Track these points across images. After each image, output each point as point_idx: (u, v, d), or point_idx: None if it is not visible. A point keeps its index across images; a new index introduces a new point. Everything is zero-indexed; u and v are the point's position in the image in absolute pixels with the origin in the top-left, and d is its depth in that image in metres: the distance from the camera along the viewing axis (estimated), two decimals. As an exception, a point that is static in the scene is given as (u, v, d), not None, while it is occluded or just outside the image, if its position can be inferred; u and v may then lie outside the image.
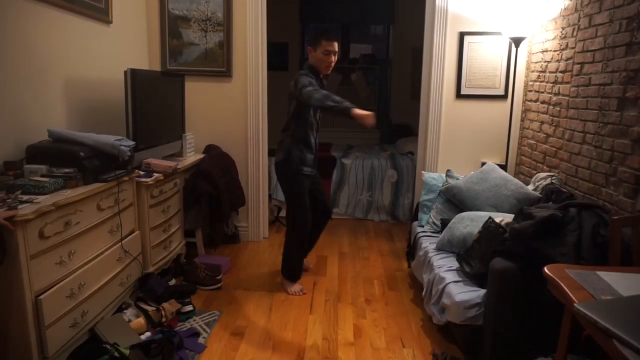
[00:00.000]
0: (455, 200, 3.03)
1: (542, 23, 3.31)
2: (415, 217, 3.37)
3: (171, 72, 3.64)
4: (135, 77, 2.69)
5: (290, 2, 6.58)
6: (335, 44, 2.75)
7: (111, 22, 3.05)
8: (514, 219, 2.27)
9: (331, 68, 2.83)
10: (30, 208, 1.79)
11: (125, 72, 2.67)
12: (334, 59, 2.77)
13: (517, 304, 2.02)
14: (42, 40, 2.41)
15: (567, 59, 2.91)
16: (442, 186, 3.15)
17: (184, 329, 2.47)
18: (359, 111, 2.36)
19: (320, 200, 3.04)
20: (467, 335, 2.19)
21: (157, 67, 3.69)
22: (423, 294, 2.66)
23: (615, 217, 1.87)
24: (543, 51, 3.28)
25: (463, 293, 2.21)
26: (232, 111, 3.76)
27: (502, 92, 3.64)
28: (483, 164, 3.33)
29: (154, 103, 3.00)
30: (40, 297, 1.84)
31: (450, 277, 2.38)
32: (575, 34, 2.82)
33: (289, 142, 2.84)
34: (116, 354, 2.01)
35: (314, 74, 2.81)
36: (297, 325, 2.59)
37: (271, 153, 4.45)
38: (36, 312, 1.83)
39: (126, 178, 2.45)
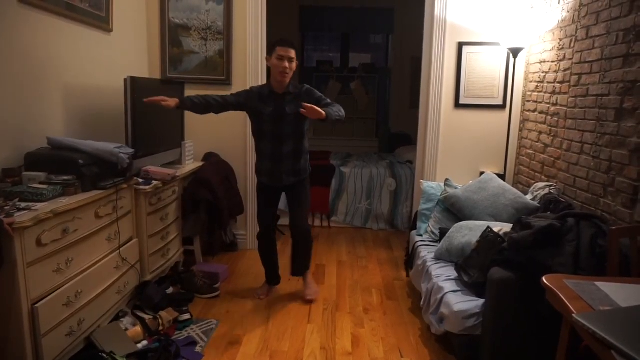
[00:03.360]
0: (453, 210, 3.03)
1: (540, 34, 3.34)
2: (413, 226, 3.37)
3: (171, 80, 3.65)
4: (135, 85, 2.70)
5: (290, 11, 6.63)
6: (290, 50, 2.70)
7: (112, 31, 3.06)
8: (512, 229, 2.27)
9: (287, 76, 2.72)
10: (28, 215, 1.79)
11: (125, 80, 2.68)
12: (287, 65, 2.69)
13: (516, 314, 2.01)
14: (43, 48, 2.43)
15: (565, 70, 2.93)
16: (441, 195, 3.15)
17: (181, 337, 2.46)
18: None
19: (290, 214, 2.99)
20: (466, 345, 2.17)
21: (157, 75, 3.71)
22: (421, 303, 2.65)
23: (613, 228, 1.87)
24: (541, 62, 3.30)
25: (461, 303, 2.20)
26: (232, 119, 3.76)
27: (500, 102, 3.66)
28: (482, 173, 3.35)
29: (153, 111, 3.00)
30: (37, 305, 1.82)
31: (448, 286, 2.38)
32: (572, 45, 2.84)
33: None
34: (112, 362, 2.00)
35: (264, 90, 2.81)
36: (294, 335, 2.58)
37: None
38: (32, 320, 1.82)
39: (125, 185, 2.45)
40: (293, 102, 2.76)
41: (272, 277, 3.11)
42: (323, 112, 2.51)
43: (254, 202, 3.86)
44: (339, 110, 2.68)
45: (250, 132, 3.72)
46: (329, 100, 2.79)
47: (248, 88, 2.92)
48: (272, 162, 2.83)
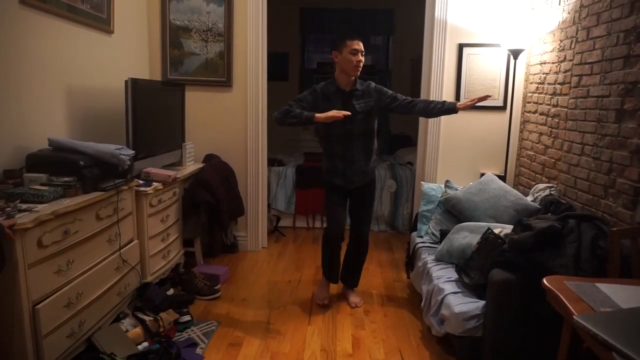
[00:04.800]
0: (454, 211, 3.03)
1: (540, 35, 3.34)
2: (414, 228, 3.37)
3: (172, 81, 3.66)
4: (135, 87, 2.71)
5: (291, 12, 6.64)
6: (361, 43, 2.64)
7: (113, 32, 3.07)
8: (513, 230, 2.27)
9: (359, 69, 2.67)
10: (29, 217, 1.79)
11: (126, 81, 2.69)
12: (362, 58, 2.64)
13: (517, 315, 2.01)
14: (44, 49, 2.43)
15: (565, 71, 2.93)
16: (441, 197, 3.15)
17: (182, 339, 2.46)
18: (320, 115, 2.45)
19: (354, 217, 2.93)
20: (467, 347, 2.17)
21: (157, 76, 3.71)
22: (422, 305, 2.65)
23: (614, 229, 1.87)
24: (541, 63, 3.30)
25: (462, 304, 2.20)
26: (232, 121, 3.77)
27: (501, 104, 3.66)
28: (482, 174, 3.34)
29: (154, 112, 3.01)
30: (38, 306, 1.83)
31: (449, 288, 2.38)
32: (573, 46, 2.84)
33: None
34: (113, 364, 2.00)
35: (330, 87, 2.71)
36: (295, 336, 2.58)
37: (270, 163, 4.48)
38: (33, 321, 1.82)
39: (125, 187, 2.45)
40: (362, 98, 2.70)
41: (335, 276, 3.03)
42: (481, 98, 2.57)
43: (255, 204, 3.88)
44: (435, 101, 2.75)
45: (251, 133, 3.76)
46: (402, 95, 2.78)
47: (310, 89, 2.75)
48: (344, 163, 2.75)
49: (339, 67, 2.69)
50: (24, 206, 1.89)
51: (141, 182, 2.72)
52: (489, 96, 2.62)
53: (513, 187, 3.32)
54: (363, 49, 2.66)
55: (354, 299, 3.00)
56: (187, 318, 2.62)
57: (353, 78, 2.70)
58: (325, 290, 3.01)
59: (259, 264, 3.68)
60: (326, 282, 3.04)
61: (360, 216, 2.91)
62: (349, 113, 2.47)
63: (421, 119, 3.84)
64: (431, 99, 3.64)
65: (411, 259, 3.16)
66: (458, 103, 2.64)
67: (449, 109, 2.64)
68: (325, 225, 2.93)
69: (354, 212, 2.92)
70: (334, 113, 2.45)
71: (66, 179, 2.14)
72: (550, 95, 3.14)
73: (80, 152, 2.29)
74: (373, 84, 2.78)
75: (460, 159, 3.77)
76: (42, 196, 1.97)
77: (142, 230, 2.69)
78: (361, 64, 2.66)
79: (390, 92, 2.78)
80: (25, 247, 1.76)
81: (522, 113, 3.64)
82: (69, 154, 2.26)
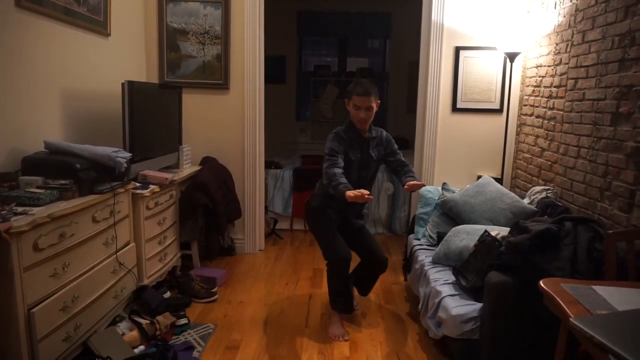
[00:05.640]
0: (451, 214, 3.04)
1: (536, 39, 3.35)
2: (411, 230, 3.37)
3: (169, 84, 3.66)
4: (132, 89, 2.70)
5: (288, 15, 6.65)
6: (368, 100, 2.52)
7: (109, 35, 3.06)
8: (509, 233, 2.28)
9: (367, 123, 2.59)
10: (24, 220, 1.78)
11: (123, 84, 2.68)
12: (365, 115, 2.54)
13: (514, 317, 2.01)
14: (40, 52, 2.42)
15: (561, 74, 2.94)
16: (438, 199, 3.16)
17: (178, 342, 2.45)
18: (350, 193, 2.28)
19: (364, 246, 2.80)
20: (464, 350, 2.17)
21: (155, 79, 3.71)
22: (419, 307, 2.65)
23: (610, 232, 1.88)
24: (537, 66, 3.32)
25: (459, 307, 2.20)
26: (229, 123, 3.77)
27: (497, 106, 3.68)
28: (479, 177, 3.35)
29: (151, 115, 3.00)
30: (33, 310, 1.81)
31: (446, 290, 2.38)
32: (569, 49, 2.85)
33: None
34: (109, 368, 1.99)
35: (351, 133, 2.62)
36: (292, 339, 2.57)
37: (267, 165, 4.48)
38: (28, 325, 1.80)
39: (122, 190, 2.44)
40: (376, 147, 2.70)
41: (351, 306, 2.81)
42: (424, 185, 2.52)
43: (252, 207, 3.87)
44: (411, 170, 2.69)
45: (248, 135, 3.76)
46: (401, 154, 2.79)
47: (333, 134, 2.60)
48: (347, 206, 2.63)
49: (350, 115, 2.63)
50: (20, 209, 1.88)
51: (138, 184, 2.71)
52: (424, 185, 2.55)
53: (510, 190, 3.33)
54: (372, 105, 2.55)
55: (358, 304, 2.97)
56: (184, 321, 2.62)
57: (364, 129, 2.64)
58: (341, 326, 2.67)
59: (256, 266, 3.67)
60: (339, 317, 2.71)
61: (371, 240, 2.78)
62: (371, 198, 2.34)
63: (418, 123, 3.85)
64: (427, 101, 3.68)
65: (408, 262, 3.16)
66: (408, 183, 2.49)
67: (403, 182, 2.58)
68: (326, 252, 2.63)
69: (362, 240, 2.78)
70: (360, 194, 2.26)
71: (62, 181, 2.13)
72: (546, 98, 3.15)
73: (77, 154, 2.28)
74: (385, 133, 2.78)
75: (457, 162, 3.78)
76: (38, 199, 1.96)
77: (139, 233, 2.68)
78: (366, 121, 2.58)
79: (396, 147, 2.80)
80: (21, 250, 1.75)
81: (519, 116, 3.66)
82: (65, 157, 2.25)
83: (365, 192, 2.27)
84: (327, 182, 2.46)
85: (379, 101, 2.60)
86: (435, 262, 2.75)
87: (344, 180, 2.40)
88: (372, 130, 2.69)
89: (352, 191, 2.29)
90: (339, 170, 2.45)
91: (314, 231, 2.79)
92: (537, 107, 3.31)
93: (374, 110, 2.58)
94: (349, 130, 2.63)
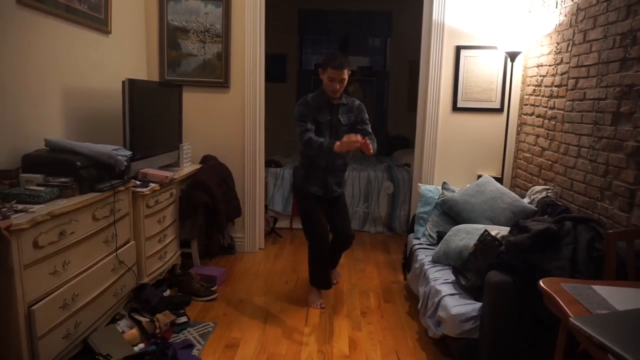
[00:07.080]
0: (451, 213, 3.04)
1: (537, 38, 3.35)
2: (411, 229, 3.37)
3: (169, 82, 3.65)
4: (133, 88, 2.70)
5: (289, 14, 6.64)
6: (342, 73, 2.71)
7: (110, 33, 3.06)
8: (509, 232, 2.28)
9: (338, 93, 2.80)
10: (25, 217, 1.78)
11: (123, 82, 2.68)
12: (338, 87, 2.75)
13: (513, 317, 2.01)
14: (41, 49, 2.42)
15: (562, 74, 2.94)
16: (439, 198, 3.16)
17: (178, 340, 2.45)
18: (340, 144, 2.57)
19: (336, 223, 3.01)
20: (463, 349, 2.17)
21: (155, 77, 3.71)
22: (419, 306, 2.65)
23: (610, 231, 1.88)
24: (538, 65, 3.31)
25: (459, 306, 2.20)
26: (230, 122, 3.77)
27: (498, 106, 3.67)
28: (479, 176, 3.35)
29: (151, 113, 3.00)
30: (33, 307, 1.82)
31: (446, 290, 2.38)
32: (570, 49, 2.85)
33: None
34: (109, 365, 1.99)
35: (319, 99, 2.84)
36: (292, 338, 2.58)
37: (268, 164, 4.48)
38: (29, 322, 1.81)
39: (122, 188, 2.44)
40: (346, 113, 2.88)
41: (329, 282, 3.12)
42: (372, 150, 2.61)
43: (252, 205, 3.87)
44: (374, 143, 2.76)
45: (248, 134, 3.75)
46: (369, 126, 2.89)
47: (301, 100, 2.86)
48: (325, 173, 2.89)
49: (323, 84, 2.81)
50: (20, 207, 1.88)
51: (138, 183, 2.71)
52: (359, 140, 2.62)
53: (510, 189, 3.33)
54: (344, 77, 2.74)
55: (337, 277, 3.35)
56: (183, 319, 2.62)
57: (335, 97, 2.82)
58: (318, 295, 3.00)
59: (256, 265, 3.67)
60: (317, 290, 3.03)
61: (343, 217, 3.01)
62: (359, 137, 2.55)
63: (418, 122, 3.84)
64: (428, 100, 3.68)
65: (408, 261, 3.17)
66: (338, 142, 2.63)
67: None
68: (308, 235, 2.94)
69: (335, 216, 2.99)
70: (348, 140, 2.55)
71: (62, 179, 2.13)
72: (547, 97, 3.15)
73: (77, 152, 2.28)
74: (357, 102, 2.94)
75: (458, 161, 3.78)
76: (39, 197, 1.97)
77: (139, 231, 2.68)
78: (337, 92, 2.78)
79: (366, 117, 2.93)
80: (21, 247, 1.75)
81: (519, 115, 3.65)
82: (66, 155, 2.25)
83: (354, 136, 2.52)
84: (307, 148, 2.72)
85: (350, 72, 2.81)
86: (435, 261, 2.75)
87: (321, 138, 2.69)
88: (342, 98, 2.88)
89: (340, 142, 2.54)
90: (311, 134, 2.72)
91: (299, 211, 3.04)
92: (537, 106, 3.31)
93: (346, 81, 2.79)
94: (319, 96, 2.85)
